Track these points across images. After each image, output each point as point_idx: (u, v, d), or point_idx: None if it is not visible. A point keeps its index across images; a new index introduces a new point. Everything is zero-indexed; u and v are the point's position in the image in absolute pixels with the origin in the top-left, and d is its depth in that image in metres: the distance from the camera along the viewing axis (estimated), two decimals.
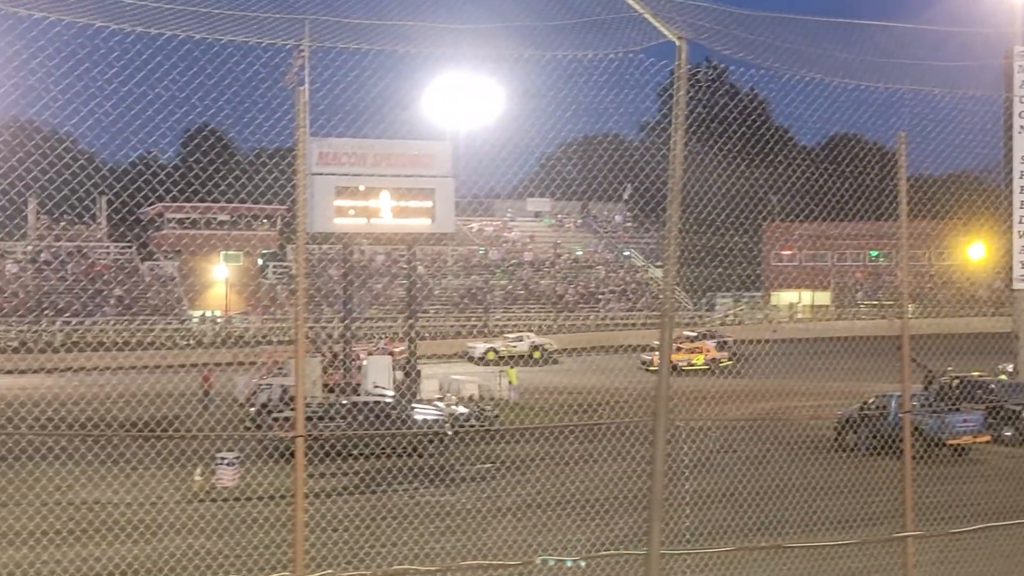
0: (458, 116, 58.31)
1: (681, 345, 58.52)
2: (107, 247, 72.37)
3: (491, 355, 60.43)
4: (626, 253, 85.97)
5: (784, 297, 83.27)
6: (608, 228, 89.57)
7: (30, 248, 70.49)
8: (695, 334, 62.56)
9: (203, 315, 68.99)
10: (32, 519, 23.53)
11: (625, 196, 78.38)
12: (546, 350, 61.82)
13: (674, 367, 56.69)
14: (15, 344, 59.59)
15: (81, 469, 26.05)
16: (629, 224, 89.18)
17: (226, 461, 29.04)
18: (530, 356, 60.32)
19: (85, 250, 71.59)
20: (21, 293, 66.31)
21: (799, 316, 79.96)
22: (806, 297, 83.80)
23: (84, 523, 22.65)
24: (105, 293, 67.57)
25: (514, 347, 60.91)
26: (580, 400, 40.41)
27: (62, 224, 71.54)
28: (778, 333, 58.75)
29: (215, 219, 74.37)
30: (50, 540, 21.00)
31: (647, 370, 57.25)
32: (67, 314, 63.56)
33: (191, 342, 62.06)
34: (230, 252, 72.49)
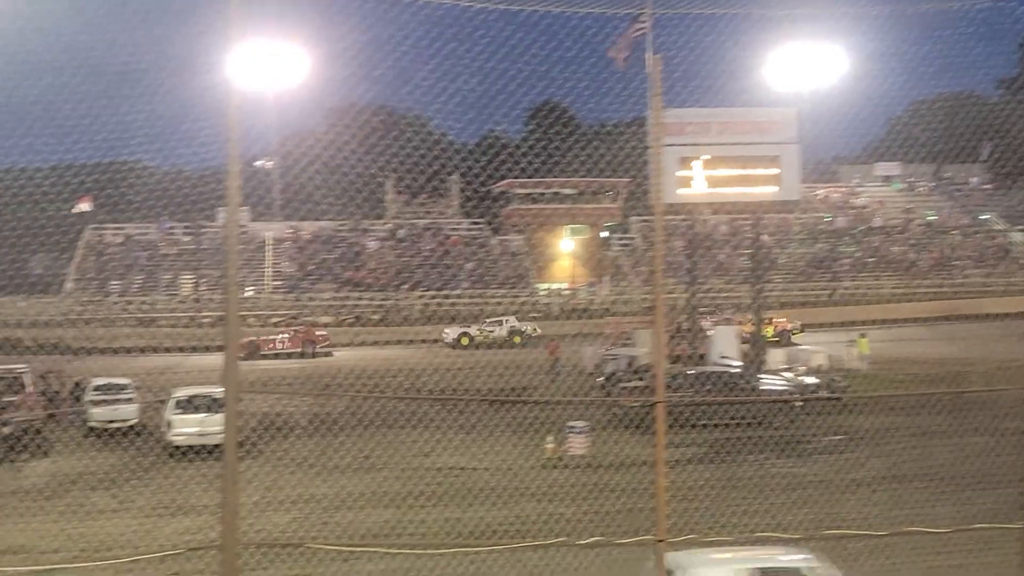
0: (802, 80, 56.85)
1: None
2: (459, 223, 75.19)
3: (464, 340, 57.35)
4: (984, 216, 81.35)
5: None
6: (964, 191, 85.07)
7: (389, 225, 74.28)
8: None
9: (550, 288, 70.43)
10: (399, 482, 24.88)
11: (983, 156, 74.12)
12: (528, 335, 58.39)
13: (742, 340, 53.61)
14: (377, 317, 62.96)
15: (445, 435, 27.35)
16: (987, 186, 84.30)
17: (576, 429, 29.55)
18: (510, 341, 57.48)
19: (438, 226, 74.74)
20: (381, 268, 70.03)
21: None
22: None
23: (448, 486, 23.75)
24: (458, 267, 70.31)
25: (491, 332, 58.16)
26: (938, 371, 38.55)
27: (417, 201, 74.97)
28: None
29: (560, 193, 75.70)
30: (421, 503, 22.13)
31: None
32: (423, 287, 66.62)
33: (539, 314, 63.54)
34: (575, 225, 73.71)
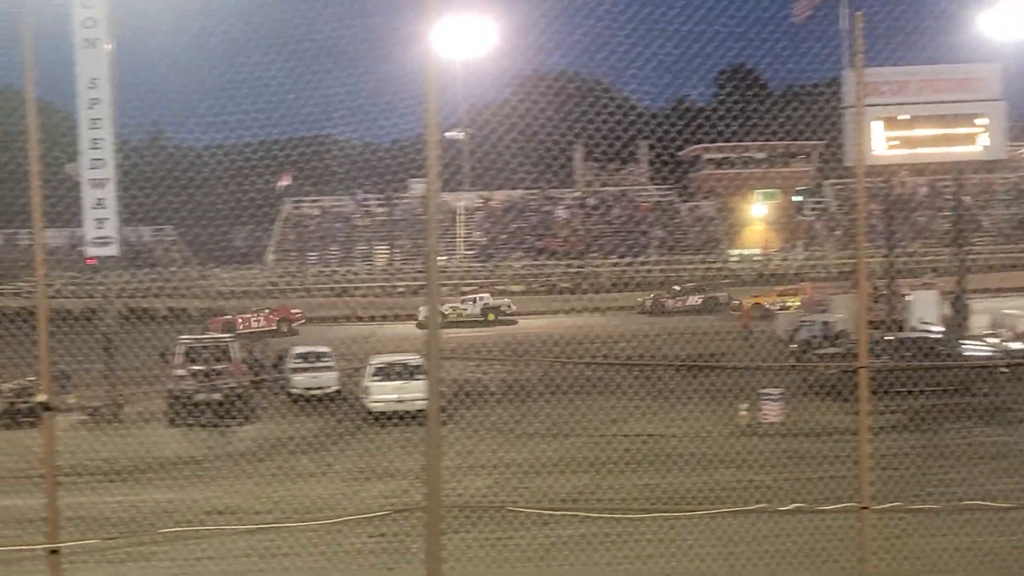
0: (1009, 31, 54.20)
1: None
2: (649, 190, 74.77)
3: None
4: None
5: None
6: None
7: (578, 194, 74.43)
8: None
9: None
10: (595, 448, 25.06)
11: None
12: (503, 312, 56.74)
13: (766, 311, 52.49)
14: (568, 285, 63.25)
15: (643, 401, 27.38)
16: None
17: (771, 396, 29.25)
18: (484, 318, 55.86)
19: (628, 193, 74.48)
20: (572, 237, 70.27)
21: None
22: None
23: (640, 453, 23.79)
24: (648, 234, 70.02)
25: (464, 310, 56.28)
26: None
27: (611, 168, 74.81)
28: None
29: (750, 158, 74.70)
30: (620, 468, 22.25)
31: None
32: (613, 255, 66.61)
33: (731, 280, 62.89)
34: (767, 190, 72.53)
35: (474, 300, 57.06)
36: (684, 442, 25.19)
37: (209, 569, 15.55)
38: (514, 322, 55.13)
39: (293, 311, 55.02)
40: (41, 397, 12.48)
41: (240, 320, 52.95)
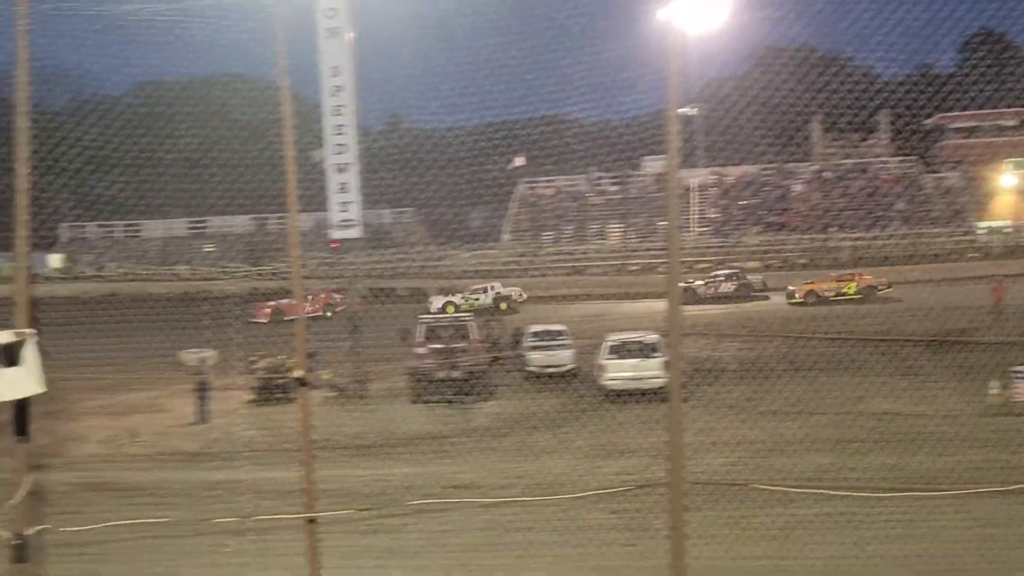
0: None
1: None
2: (889, 161, 72.32)
3: (450, 309, 52.39)
4: None
5: None
6: None
7: (816, 167, 72.63)
8: None
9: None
10: (838, 428, 24.55)
11: None
12: (514, 301, 54.41)
13: (820, 297, 47.91)
14: (803, 261, 61.95)
15: (881, 381, 26.62)
16: None
17: (1023, 374, 28.00)
18: (496, 308, 53.09)
19: (868, 166, 72.24)
20: (812, 212, 68.64)
21: None
22: None
23: (887, 432, 23.15)
24: (889, 207, 67.80)
25: (476, 300, 53.95)
26: None
27: (856, 139, 72.60)
28: None
29: (1001, 125, 71.27)
30: (866, 447, 21.74)
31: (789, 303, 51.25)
32: (853, 230, 64.79)
33: (978, 253, 60.37)
34: (1018, 159, 69.08)
35: (485, 290, 56.47)
36: (933, 421, 24.41)
37: (453, 542, 16.01)
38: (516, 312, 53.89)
39: (336, 297, 54.92)
40: (297, 373, 13.02)
41: (287, 307, 49.81)
